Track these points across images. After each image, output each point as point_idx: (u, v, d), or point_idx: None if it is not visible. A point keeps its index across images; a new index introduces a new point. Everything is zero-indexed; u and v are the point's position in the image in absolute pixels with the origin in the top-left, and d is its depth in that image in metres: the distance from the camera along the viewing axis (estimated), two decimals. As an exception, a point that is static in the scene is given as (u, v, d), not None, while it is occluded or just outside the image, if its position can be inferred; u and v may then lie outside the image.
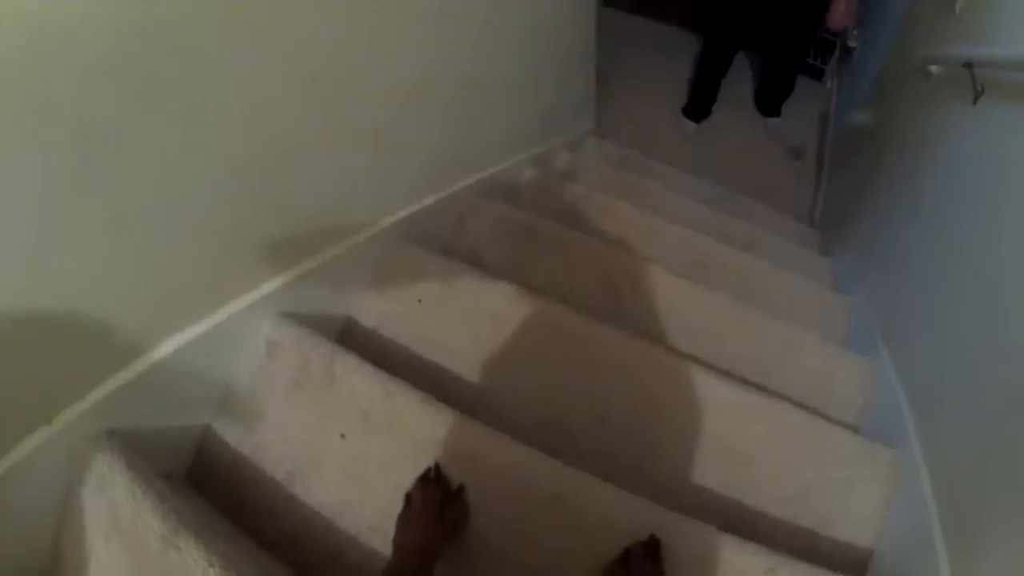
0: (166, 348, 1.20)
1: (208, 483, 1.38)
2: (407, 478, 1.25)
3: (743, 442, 1.56)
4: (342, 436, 1.35)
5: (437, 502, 1.17)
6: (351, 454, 1.34)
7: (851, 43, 3.80)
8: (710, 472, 1.53)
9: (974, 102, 1.60)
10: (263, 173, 1.23)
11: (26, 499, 1.07)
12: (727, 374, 1.72)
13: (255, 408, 1.42)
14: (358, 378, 1.39)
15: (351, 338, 1.70)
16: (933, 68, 2.00)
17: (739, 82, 4.22)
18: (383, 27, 1.39)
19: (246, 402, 1.43)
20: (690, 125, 4.02)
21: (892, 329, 1.96)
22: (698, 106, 3.97)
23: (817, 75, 4.31)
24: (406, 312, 1.71)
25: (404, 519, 1.17)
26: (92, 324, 1.03)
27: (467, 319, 1.68)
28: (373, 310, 1.73)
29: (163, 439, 1.30)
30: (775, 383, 1.85)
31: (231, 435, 1.41)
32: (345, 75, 1.33)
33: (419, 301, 1.71)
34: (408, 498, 1.20)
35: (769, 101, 4.01)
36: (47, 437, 1.04)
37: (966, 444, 1.34)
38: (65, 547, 1.13)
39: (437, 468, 1.26)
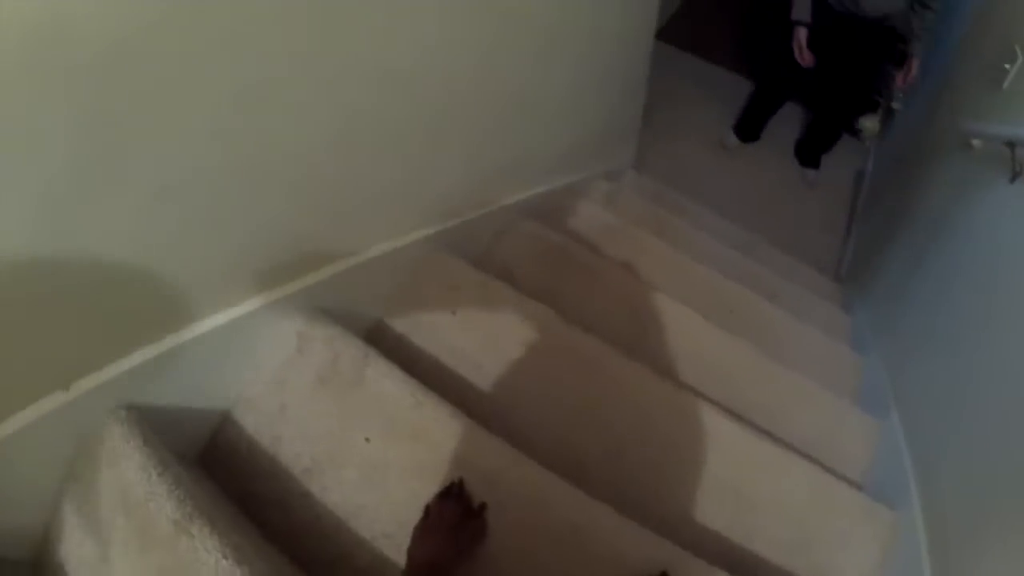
0: (197, 329, 1.20)
1: (220, 468, 1.38)
2: (427, 489, 1.26)
3: (752, 487, 1.58)
4: (366, 440, 1.36)
5: (457, 517, 1.18)
6: (372, 458, 1.35)
7: (895, 105, 3.81)
8: (717, 514, 1.54)
9: (1011, 181, 1.62)
10: (314, 166, 1.23)
11: (30, 463, 1.05)
12: (741, 419, 1.73)
13: (279, 399, 1.42)
14: (388, 383, 1.40)
15: (379, 341, 1.70)
16: (975, 142, 2.01)
17: (784, 130, 4.25)
18: (447, 31, 1.39)
19: (270, 392, 1.43)
20: (733, 139, 4.10)
21: (904, 393, 1.97)
22: (746, 129, 4.05)
23: (858, 133, 4.31)
24: (437, 321, 1.73)
25: (422, 531, 1.17)
26: (124, 294, 1.02)
27: (497, 335, 1.70)
28: (405, 315, 1.74)
29: (181, 419, 1.30)
30: (785, 432, 1.87)
31: (250, 423, 1.41)
32: (405, 74, 1.32)
33: (453, 313, 1.73)
34: (427, 510, 1.21)
35: (809, 153, 4.03)
36: (61, 403, 1.02)
37: (965, 512, 1.36)
38: (64, 517, 1.13)
39: (461, 483, 1.26)
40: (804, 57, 3.15)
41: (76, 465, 1.12)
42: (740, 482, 1.58)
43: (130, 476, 1.06)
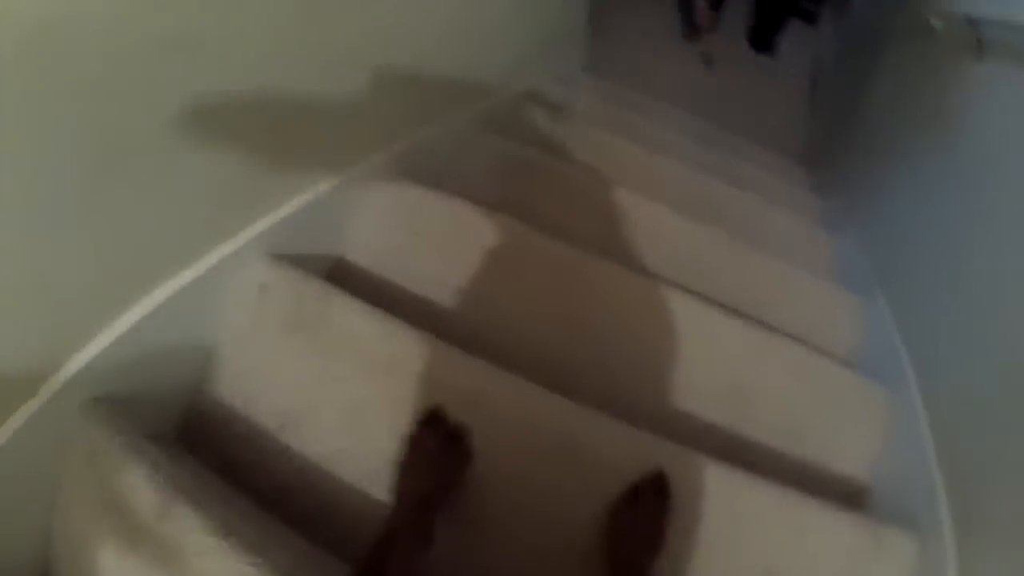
0: (151, 301, 1.12)
1: (199, 442, 1.31)
2: (407, 421, 1.20)
3: (743, 376, 1.55)
4: (338, 380, 1.30)
5: (439, 445, 1.12)
6: (348, 399, 1.28)
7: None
8: (710, 407, 1.51)
9: (977, 59, 1.61)
10: (256, 97, 1.15)
11: (14, 478, 1.01)
12: (725, 308, 1.69)
13: (248, 357, 1.35)
14: (355, 319, 1.33)
15: (344, 278, 1.62)
16: (935, 22, 1.96)
17: (734, 23, 4.15)
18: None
19: (238, 352, 1.35)
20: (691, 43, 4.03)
21: (890, 273, 1.95)
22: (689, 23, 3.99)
23: (812, 18, 4.25)
24: (401, 247, 1.65)
25: (404, 464, 1.12)
26: (67, 285, 0.96)
27: (465, 254, 1.62)
28: (366, 247, 1.65)
29: (152, 399, 1.23)
30: (769, 317, 1.84)
31: (222, 387, 1.34)
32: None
33: (415, 235, 1.65)
34: (409, 441, 1.15)
35: (760, 36, 3.97)
36: (33, 411, 0.97)
37: (966, 387, 1.34)
38: (56, 526, 1.09)
39: (439, 409, 1.19)
40: None
41: (58, 472, 1.07)
42: (731, 372, 1.55)
43: (108, 472, 1.02)
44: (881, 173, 2.36)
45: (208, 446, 1.29)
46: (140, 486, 1.00)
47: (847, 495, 1.50)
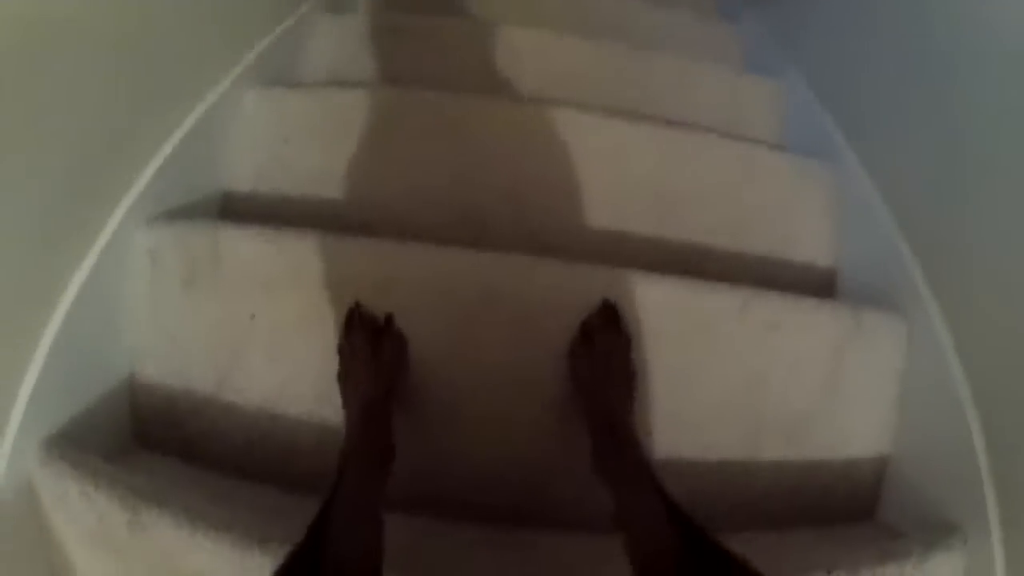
0: (56, 320, 1.04)
1: (154, 433, 1.24)
2: (332, 331, 1.14)
3: (671, 181, 1.49)
4: (252, 317, 1.20)
5: (369, 343, 1.06)
6: (267, 332, 1.20)
7: None
8: (645, 220, 1.45)
9: None
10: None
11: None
12: (633, 115, 1.60)
13: (162, 332, 1.25)
14: (245, 246, 1.22)
15: (233, 210, 1.51)
16: None
17: None
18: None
19: (152, 329, 1.25)
20: None
21: (799, 44, 1.89)
22: None
23: None
24: (277, 156, 1.52)
25: (344, 375, 1.07)
26: None
27: (340, 138, 1.50)
28: (246, 170, 1.53)
29: (96, 415, 1.15)
30: (685, 115, 1.76)
31: (151, 372, 1.24)
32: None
33: (286, 140, 1.52)
34: (340, 351, 1.09)
35: None
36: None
37: (906, 139, 1.31)
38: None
39: (357, 307, 1.12)
40: None
41: (31, 528, 1.03)
42: (656, 179, 1.48)
43: (76, 505, 0.97)
44: None
45: (162, 435, 1.23)
46: (105, 511, 0.95)
47: (814, 283, 1.47)
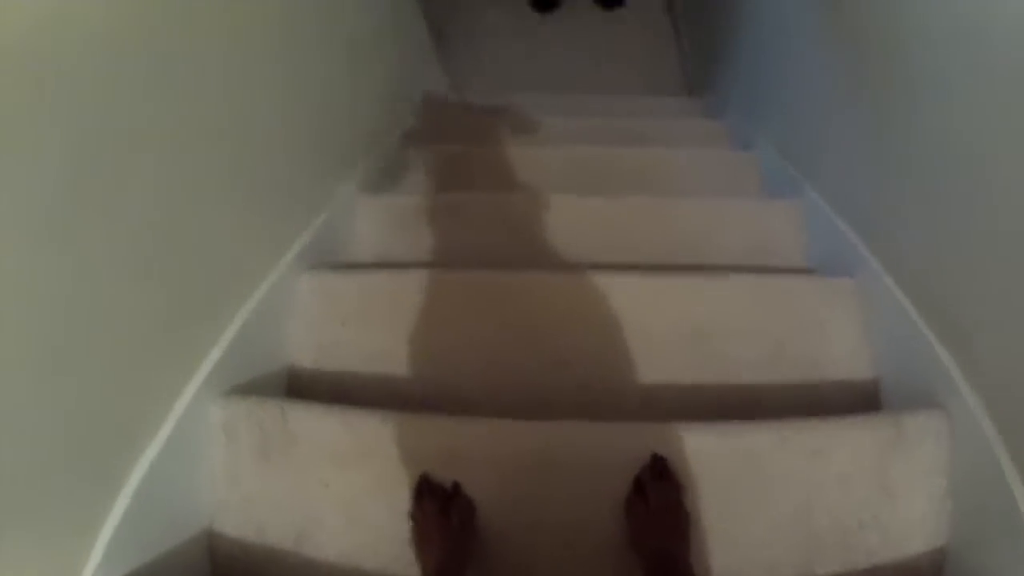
0: (137, 475, 1.14)
1: (230, 579, 1.32)
2: (403, 498, 1.22)
3: (704, 322, 1.56)
4: (325, 486, 1.30)
5: (438, 512, 1.14)
6: (341, 499, 1.29)
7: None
8: (681, 364, 1.52)
9: None
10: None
11: None
12: (663, 268, 1.70)
13: (239, 493, 1.35)
14: (314, 423, 1.34)
15: (300, 386, 1.63)
16: None
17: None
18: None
19: (229, 490, 1.35)
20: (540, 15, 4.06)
21: (812, 163, 1.94)
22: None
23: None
24: (336, 337, 1.65)
25: (416, 540, 1.14)
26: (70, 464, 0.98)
27: (396, 320, 1.62)
28: (307, 348, 1.66)
29: (174, 563, 1.23)
30: (715, 256, 1.85)
31: (231, 528, 1.34)
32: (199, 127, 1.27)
33: (342, 323, 1.65)
34: (412, 518, 1.17)
35: None
36: None
37: (926, 239, 1.33)
38: None
39: (425, 477, 1.22)
40: None
41: None
42: (691, 320, 1.56)
43: None
44: (773, 66, 2.34)
45: None
46: None
47: (856, 397, 1.50)
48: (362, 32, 2.28)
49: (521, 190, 2.11)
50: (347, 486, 1.29)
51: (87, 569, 1.02)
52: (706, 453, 1.24)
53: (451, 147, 2.55)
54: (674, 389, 1.50)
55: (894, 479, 1.23)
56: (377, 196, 2.17)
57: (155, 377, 1.22)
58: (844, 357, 1.53)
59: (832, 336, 1.55)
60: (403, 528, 1.17)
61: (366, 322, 1.65)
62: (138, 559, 1.13)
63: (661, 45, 3.90)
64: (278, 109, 1.63)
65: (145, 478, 1.14)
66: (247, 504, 1.34)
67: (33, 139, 0.85)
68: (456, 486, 1.19)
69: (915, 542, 1.22)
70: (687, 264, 1.82)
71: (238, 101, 1.42)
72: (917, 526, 1.23)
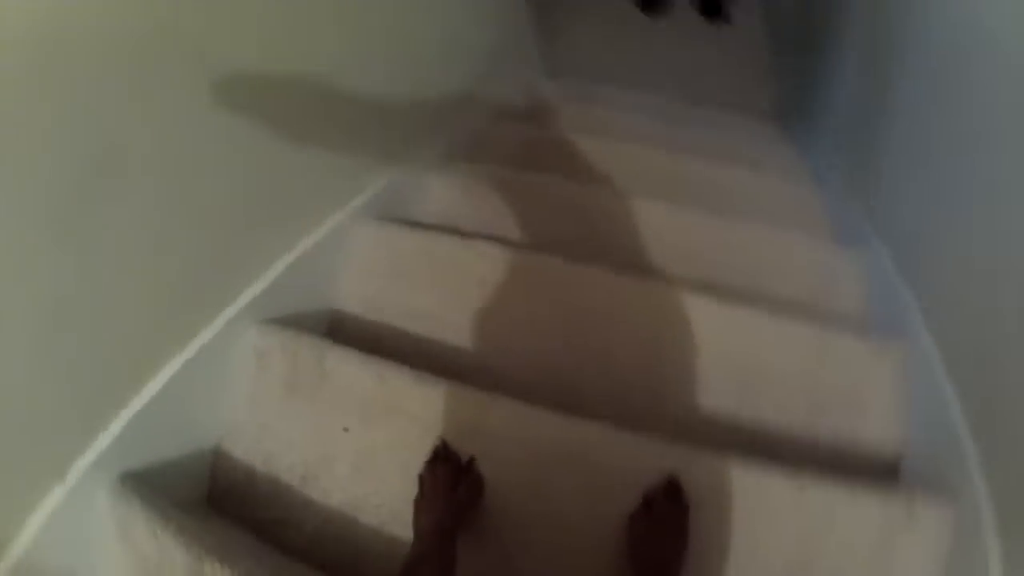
0: (165, 374, 1.19)
1: (228, 503, 1.36)
2: (416, 460, 1.23)
3: (750, 361, 1.54)
4: (345, 430, 1.33)
5: (449, 478, 1.15)
6: (357, 447, 1.32)
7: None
8: (721, 398, 1.50)
9: None
10: (241, 168, 1.22)
11: (52, 563, 1.05)
12: (722, 292, 1.68)
13: (257, 419, 1.39)
14: (349, 368, 1.36)
15: (341, 329, 1.66)
16: None
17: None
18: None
19: (247, 415, 1.40)
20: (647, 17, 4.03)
21: (882, 216, 1.90)
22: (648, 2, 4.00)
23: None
24: (389, 290, 1.68)
25: (420, 502, 1.16)
26: (100, 361, 1.04)
27: (451, 286, 1.65)
28: (356, 296, 1.69)
29: (175, 469, 1.28)
30: (771, 290, 1.82)
31: (238, 450, 1.39)
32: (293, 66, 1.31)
33: (400, 276, 1.68)
34: (421, 480, 1.19)
35: (711, 4, 3.96)
36: (63, 496, 1.03)
37: (979, 325, 1.28)
38: None
39: (443, 444, 1.24)
40: None
41: (92, 552, 1.12)
42: (736, 358, 1.54)
43: (140, 542, 1.07)
44: (859, 107, 2.29)
45: (236, 507, 1.35)
46: (169, 549, 1.05)
47: (878, 463, 1.47)
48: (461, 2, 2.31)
49: (594, 183, 2.10)
50: (366, 436, 1.32)
51: (85, 456, 1.07)
52: (725, 487, 1.23)
53: (534, 129, 2.54)
54: (710, 413, 1.49)
55: (893, 563, 1.21)
56: (456, 164, 2.18)
57: (202, 287, 1.28)
58: (874, 423, 1.50)
59: (867, 401, 1.52)
60: (410, 489, 1.19)
61: (419, 281, 1.68)
62: (139, 460, 1.17)
63: (758, 67, 3.84)
64: (381, 62, 1.67)
65: (168, 382, 1.19)
66: (262, 431, 1.38)
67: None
68: (471, 460, 1.21)
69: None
70: (742, 288, 1.79)
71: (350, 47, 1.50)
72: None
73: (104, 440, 1.09)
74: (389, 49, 1.73)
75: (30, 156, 0.84)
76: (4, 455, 0.94)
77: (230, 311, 1.35)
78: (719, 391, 1.50)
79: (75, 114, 0.88)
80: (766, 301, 1.70)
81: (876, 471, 1.45)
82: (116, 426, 1.11)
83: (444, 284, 1.66)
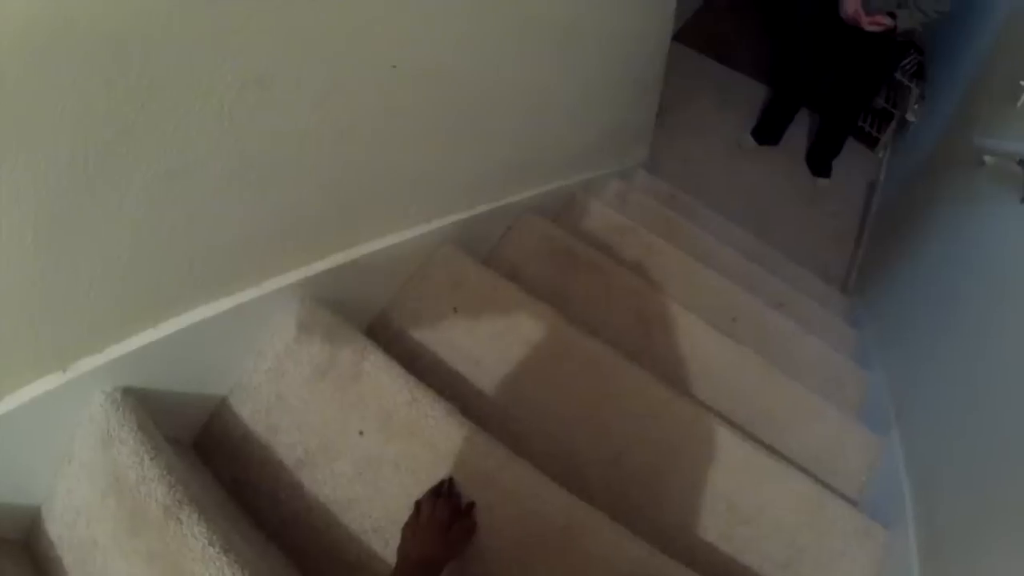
0: (198, 315, 1.19)
1: (214, 454, 1.38)
2: (418, 486, 1.26)
3: (747, 500, 1.57)
4: (360, 433, 1.35)
5: (447, 516, 1.17)
6: (366, 452, 1.34)
7: (910, 116, 3.78)
8: (711, 525, 1.53)
9: (1022, 200, 1.61)
10: (330, 146, 1.23)
11: (25, 442, 1.05)
12: (742, 430, 1.72)
13: (276, 389, 1.40)
14: (385, 378, 1.38)
15: (380, 333, 1.69)
16: (988, 159, 1.99)
17: (798, 140, 4.25)
18: (472, 27, 1.41)
19: (268, 381, 1.41)
20: (750, 141, 4.12)
21: (906, 411, 1.95)
22: (764, 133, 4.09)
23: (871, 143, 4.30)
24: (440, 317, 1.71)
25: (412, 528, 1.17)
26: (124, 276, 1.01)
27: (499, 335, 1.68)
28: (407, 309, 1.73)
29: (178, 403, 1.29)
30: (786, 444, 1.86)
31: (246, 411, 1.40)
32: (421, 70, 1.33)
33: (455, 309, 1.71)
34: (418, 507, 1.21)
35: (820, 159, 4.03)
36: (58, 384, 1.01)
37: (960, 535, 1.34)
38: (57, 497, 1.13)
39: (451, 482, 1.26)
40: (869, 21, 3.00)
41: (71, 446, 1.11)
42: (736, 493, 1.57)
43: (123, 460, 1.06)
44: (912, 306, 2.37)
45: (222, 461, 1.37)
46: (152, 481, 1.04)
47: None
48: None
49: (662, 289, 2.14)
50: (379, 446, 1.34)
51: (93, 358, 1.06)
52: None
53: (619, 216, 2.61)
54: (690, 536, 1.52)
55: None
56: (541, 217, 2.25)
57: (283, 243, 1.30)
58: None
59: (843, 572, 1.56)
60: (404, 511, 1.21)
61: (472, 318, 1.71)
62: (146, 381, 1.17)
63: (842, 234, 3.89)
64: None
65: (201, 321, 1.19)
66: (276, 401, 1.40)
67: None
68: (471, 505, 1.23)
69: None
70: (763, 438, 1.83)
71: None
72: None
73: (118, 350, 1.08)
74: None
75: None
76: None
77: (293, 275, 1.37)
78: (710, 517, 1.54)
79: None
80: (778, 450, 1.75)
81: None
82: (136, 341, 1.10)
83: (492, 330, 1.69)
